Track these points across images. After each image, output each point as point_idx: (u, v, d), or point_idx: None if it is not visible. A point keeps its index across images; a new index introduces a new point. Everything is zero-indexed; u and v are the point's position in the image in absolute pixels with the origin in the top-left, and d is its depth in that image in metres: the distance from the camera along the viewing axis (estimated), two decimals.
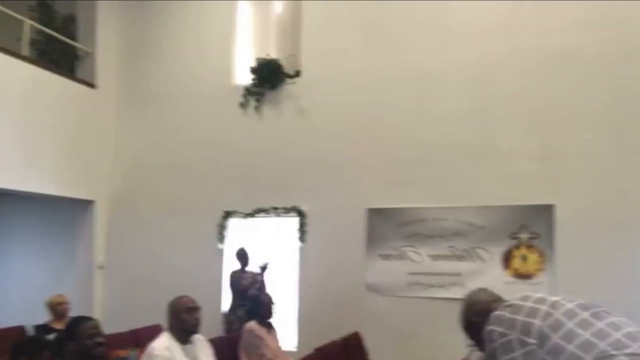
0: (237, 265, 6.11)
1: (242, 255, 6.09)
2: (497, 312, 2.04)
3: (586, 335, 1.82)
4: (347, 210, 6.28)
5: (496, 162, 5.81)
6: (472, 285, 4.53)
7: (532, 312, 1.95)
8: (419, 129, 6.14)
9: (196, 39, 7.27)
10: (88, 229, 7.36)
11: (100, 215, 7.39)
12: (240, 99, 6.91)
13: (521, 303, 2.02)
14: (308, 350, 4.75)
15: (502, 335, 1.96)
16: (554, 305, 1.95)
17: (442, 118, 6.06)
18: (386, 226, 6.12)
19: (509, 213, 5.70)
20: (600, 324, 1.85)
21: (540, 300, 1.99)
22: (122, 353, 4.73)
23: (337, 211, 6.33)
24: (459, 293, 5.43)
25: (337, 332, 5.34)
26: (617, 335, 1.80)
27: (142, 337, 5.22)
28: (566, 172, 5.58)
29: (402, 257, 6.05)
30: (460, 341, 4.22)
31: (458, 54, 6.04)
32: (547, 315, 1.92)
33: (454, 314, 3.27)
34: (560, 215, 5.53)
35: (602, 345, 1.77)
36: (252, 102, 6.89)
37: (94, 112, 7.41)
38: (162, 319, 3.65)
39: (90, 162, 7.32)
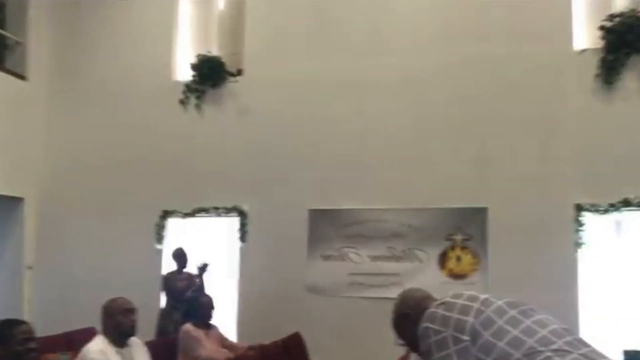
0: (174, 266, 5.95)
1: (179, 256, 5.93)
2: (431, 310, 2.09)
3: (515, 332, 1.88)
4: (288, 210, 6.30)
5: (433, 165, 5.99)
6: (410, 285, 4.66)
7: (465, 310, 2.00)
8: (360, 131, 6.24)
9: (135, 32, 7.08)
10: (17, 228, 7.02)
11: (29, 214, 7.06)
12: (181, 96, 6.78)
13: (454, 301, 2.07)
14: None
15: (437, 332, 2.01)
16: (484, 302, 2.01)
17: (382, 121, 6.19)
18: (327, 227, 6.19)
19: (445, 215, 5.90)
20: (528, 322, 1.92)
21: (472, 298, 2.05)
22: (53, 357, 4.53)
23: (279, 212, 6.34)
24: (398, 293, 5.59)
25: (277, 333, 5.34)
26: (543, 332, 1.87)
27: (74, 340, 5.03)
28: (498, 176, 5.83)
29: (342, 257, 6.13)
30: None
31: (397, 59, 6.18)
32: (479, 312, 1.97)
33: None
34: (492, 217, 5.77)
35: (530, 342, 1.85)
36: (193, 100, 6.78)
37: (24, 105, 7.07)
38: (96, 321, 3.54)
39: (20, 157, 6.98)
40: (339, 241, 6.14)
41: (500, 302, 2.01)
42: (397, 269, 5.96)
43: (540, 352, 1.81)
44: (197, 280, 5.75)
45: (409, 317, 2.22)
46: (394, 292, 6.00)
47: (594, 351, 1.86)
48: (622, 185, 5.45)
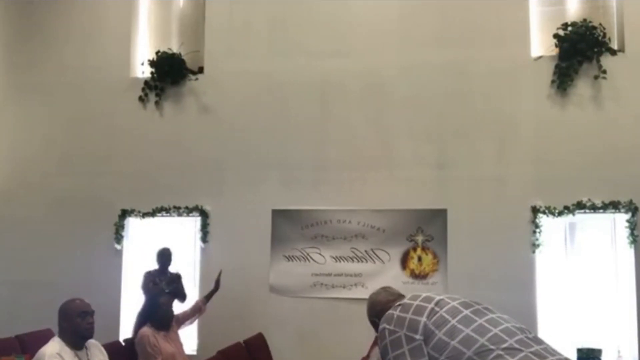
0: (154, 266, 5.77)
1: (166, 255, 5.75)
2: (389, 312, 2.15)
3: (467, 331, 1.94)
4: (251, 211, 6.26)
5: (395, 168, 6.07)
6: (373, 285, 4.74)
7: (419, 310, 2.06)
8: (322, 132, 6.26)
9: (94, 28, 6.87)
10: None
11: None
12: (140, 93, 6.65)
13: (410, 302, 2.13)
14: (210, 354, 4.67)
15: (392, 332, 2.06)
16: (438, 303, 2.07)
17: (344, 123, 6.23)
18: (290, 227, 6.18)
19: (407, 216, 5.98)
20: (480, 321, 1.98)
21: (427, 299, 2.11)
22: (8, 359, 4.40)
23: (241, 212, 6.30)
24: (360, 293, 5.67)
25: (240, 334, 5.31)
26: (495, 331, 1.93)
27: (29, 343, 4.91)
28: (457, 179, 5.95)
29: (305, 258, 6.15)
30: (361, 340, 4.40)
31: (358, 61, 6.23)
32: (432, 312, 2.04)
33: (356, 313, 3.39)
34: (451, 219, 5.89)
35: (481, 340, 1.90)
36: (152, 97, 6.67)
37: None
38: (52, 323, 3.45)
39: None
40: (302, 242, 6.15)
41: (454, 303, 2.07)
42: (360, 270, 6.01)
43: (491, 350, 1.87)
44: (175, 283, 5.64)
45: (377, 324, 2.28)
46: (357, 293, 6.17)
47: (546, 349, 1.92)
48: (576, 188, 5.66)
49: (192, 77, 6.63)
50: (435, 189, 5.99)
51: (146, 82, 6.67)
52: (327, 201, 6.14)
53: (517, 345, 1.88)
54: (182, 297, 5.66)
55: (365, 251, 6.02)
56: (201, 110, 6.57)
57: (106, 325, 5.22)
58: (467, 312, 2.02)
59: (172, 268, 5.85)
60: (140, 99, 6.67)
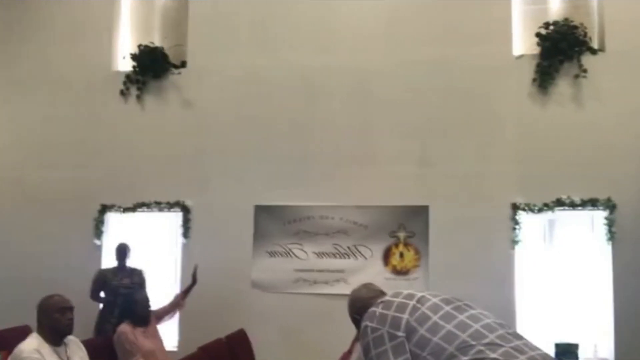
0: (114, 262, 5.80)
1: (117, 250, 5.76)
2: (371, 309, 2.16)
3: (449, 327, 1.96)
4: (233, 206, 6.24)
5: (378, 164, 6.08)
6: (355, 281, 4.72)
7: (401, 307, 2.08)
8: (305, 128, 6.26)
9: (74, 20, 6.79)
10: None
11: None
12: (121, 87, 6.58)
13: (391, 299, 2.15)
14: (191, 350, 4.65)
15: (374, 330, 2.07)
16: (420, 300, 2.09)
17: (328, 119, 6.23)
18: (273, 223, 6.17)
19: (389, 213, 6.01)
20: (461, 317, 2.00)
21: (409, 296, 2.13)
22: None
23: (224, 207, 6.27)
24: (343, 289, 5.67)
25: (221, 330, 5.28)
26: (476, 326, 1.96)
27: (7, 339, 4.82)
28: (439, 176, 5.98)
29: (288, 254, 6.14)
30: (343, 336, 4.41)
31: (341, 58, 6.23)
32: (414, 309, 2.05)
33: (338, 309, 3.39)
34: (433, 215, 5.92)
35: (463, 336, 1.92)
36: (134, 91, 6.60)
37: None
38: (30, 319, 3.41)
39: None
40: (285, 237, 6.15)
41: (435, 300, 2.09)
42: (342, 266, 6.03)
43: (473, 346, 1.89)
44: (136, 277, 5.65)
45: (358, 321, 2.29)
46: (339, 289, 6.20)
47: (526, 344, 1.95)
48: (555, 185, 5.72)
49: (175, 71, 6.58)
50: (418, 185, 6.02)
51: (128, 76, 6.61)
52: (309, 197, 6.14)
53: (497, 341, 1.90)
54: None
55: (348, 247, 6.04)
56: (183, 105, 6.53)
57: (85, 322, 5.19)
58: (448, 308, 2.04)
59: (133, 263, 5.85)
60: (122, 92, 6.61)
